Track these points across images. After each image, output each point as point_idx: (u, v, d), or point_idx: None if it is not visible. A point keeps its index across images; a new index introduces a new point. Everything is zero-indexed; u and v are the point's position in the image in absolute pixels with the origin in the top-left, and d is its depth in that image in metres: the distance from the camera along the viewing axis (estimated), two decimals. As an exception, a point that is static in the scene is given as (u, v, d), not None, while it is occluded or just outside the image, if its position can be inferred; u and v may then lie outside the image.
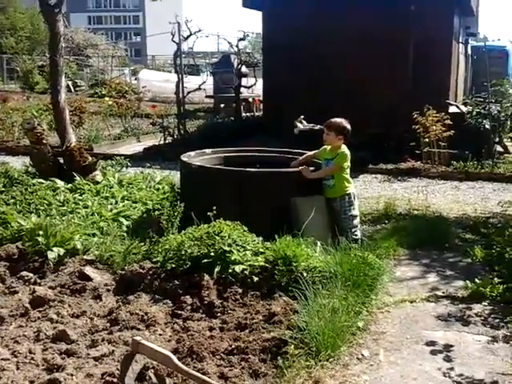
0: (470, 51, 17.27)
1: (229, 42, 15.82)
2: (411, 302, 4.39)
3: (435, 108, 9.88)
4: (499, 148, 10.89)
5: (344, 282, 4.18)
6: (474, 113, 10.70)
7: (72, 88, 30.78)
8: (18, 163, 8.77)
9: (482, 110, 10.64)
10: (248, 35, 17.11)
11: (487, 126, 10.29)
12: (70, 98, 19.30)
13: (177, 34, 12.51)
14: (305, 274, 4.32)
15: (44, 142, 6.81)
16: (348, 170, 5.43)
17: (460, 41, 12.83)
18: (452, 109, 11.08)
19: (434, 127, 9.78)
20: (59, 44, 7.27)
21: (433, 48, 10.95)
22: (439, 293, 4.57)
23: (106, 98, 16.57)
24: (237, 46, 15.20)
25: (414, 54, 11.09)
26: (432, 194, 8.31)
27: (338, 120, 5.42)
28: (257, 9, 13.04)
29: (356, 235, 5.30)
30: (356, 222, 5.40)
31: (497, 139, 10.69)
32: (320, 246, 4.77)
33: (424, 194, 8.13)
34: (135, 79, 28.99)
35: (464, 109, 11.16)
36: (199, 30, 13.10)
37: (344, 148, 5.39)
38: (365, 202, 7.43)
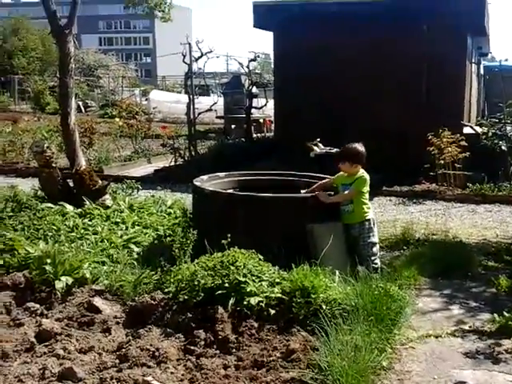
0: (482, 71, 17.09)
1: (239, 63, 15.73)
2: (436, 337, 4.14)
3: (450, 129, 9.68)
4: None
5: (366, 316, 3.94)
6: (490, 134, 10.46)
7: (83, 109, 30.87)
8: (27, 185, 8.60)
9: (498, 131, 10.41)
10: (258, 56, 17.01)
11: (503, 148, 10.04)
12: (81, 118, 19.30)
13: (188, 55, 12.41)
14: (324, 307, 4.08)
15: (53, 165, 6.64)
16: (367, 195, 5.21)
17: (473, 61, 12.63)
18: (467, 130, 10.85)
19: (449, 149, 9.56)
20: (69, 65, 7.12)
21: (447, 68, 10.76)
22: (465, 327, 4.31)
23: (117, 119, 16.43)
24: (247, 67, 15.09)
25: (428, 75, 10.90)
26: (449, 217, 8.06)
27: (351, 148, 5.20)
28: (268, 29, 12.93)
29: (376, 263, 5.07)
30: (376, 249, 5.16)
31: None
32: (339, 275, 4.54)
33: (441, 217, 7.88)
34: (146, 100, 29.00)
35: (479, 130, 10.93)
36: (210, 51, 12.99)
37: (363, 172, 5.18)
38: (381, 226, 7.16)
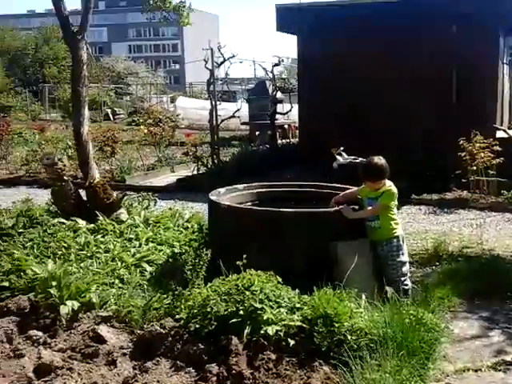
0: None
1: (264, 68, 15.29)
2: (476, 371, 3.65)
3: (482, 133, 9.12)
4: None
5: (396, 349, 3.49)
6: (524, 138, 9.87)
7: (111, 116, 30.83)
8: (47, 197, 8.32)
9: (533, 135, 9.82)
10: (283, 60, 16.59)
11: (539, 152, 9.43)
12: (109, 125, 19.14)
13: (210, 60, 12.06)
14: (349, 337, 3.64)
15: (65, 178, 6.29)
16: (395, 210, 4.73)
17: (505, 62, 12.01)
18: (500, 134, 10.27)
19: (482, 154, 8.99)
20: (82, 73, 6.78)
21: (477, 70, 10.20)
22: (508, 358, 3.82)
23: (142, 127, 16.18)
24: (271, 72, 14.67)
25: (458, 77, 10.37)
26: (484, 227, 7.50)
27: (371, 164, 4.70)
28: (291, 33, 12.52)
29: (406, 285, 4.58)
30: (405, 269, 4.67)
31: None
32: (365, 299, 4.08)
33: (475, 228, 7.35)
34: (173, 106, 28.80)
35: (512, 133, 10.35)
36: (233, 56, 12.63)
37: (390, 185, 4.70)
38: (410, 238, 6.68)
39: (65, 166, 6.32)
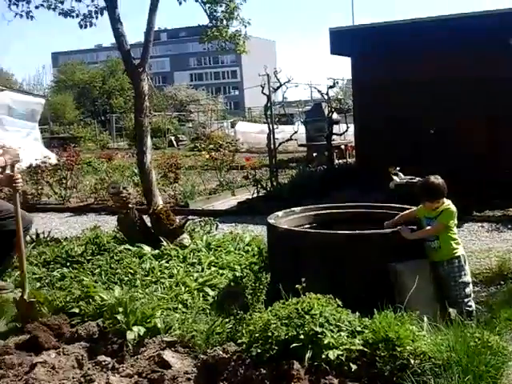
0: None
1: (319, 91, 15.26)
2: (546, 397, 3.44)
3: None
4: None
5: (461, 373, 3.33)
6: None
7: (175, 143, 31.45)
8: (115, 223, 8.51)
9: None
10: (337, 82, 16.51)
11: None
12: (173, 152, 19.52)
13: (266, 85, 12.14)
14: (412, 361, 3.50)
15: (130, 206, 6.41)
16: (455, 229, 4.57)
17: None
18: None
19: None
20: (144, 103, 6.92)
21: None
22: None
23: (204, 152, 16.41)
24: (327, 94, 14.62)
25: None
26: (550, 244, 7.16)
27: (428, 184, 4.56)
28: (346, 55, 12.45)
29: (469, 306, 4.40)
30: (468, 290, 4.49)
31: None
32: (427, 322, 3.93)
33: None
34: (233, 131, 29.14)
35: None
36: (288, 81, 12.67)
37: (448, 204, 4.54)
38: (473, 256, 6.43)
39: (130, 194, 6.44)
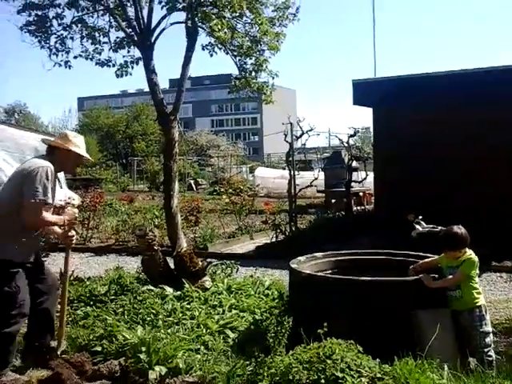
0: None
1: (339, 139, 15.47)
2: None
3: None
4: None
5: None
6: None
7: (194, 187, 31.74)
8: (135, 264, 8.60)
9: None
10: (358, 131, 16.73)
11: None
12: (193, 196, 19.68)
13: (289, 134, 12.35)
14: (432, 410, 3.49)
15: (155, 248, 6.51)
16: (476, 279, 4.59)
17: None
18: None
19: None
20: (173, 150, 7.10)
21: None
22: None
23: (223, 196, 16.56)
24: (347, 143, 14.80)
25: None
26: None
27: (451, 234, 4.60)
28: (367, 105, 12.64)
29: (490, 356, 4.38)
30: (489, 340, 4.47)
31: None
32: (447, 370, 3.92)
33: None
34: (252, 176, 29.37)
35: None
36: (311, 129, 12.89)
37: (471, 254, 4.57)
38: (492, 307, 6.39)
39: (155, 236, 6.54)
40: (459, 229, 4.60)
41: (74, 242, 5.04)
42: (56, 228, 4.93)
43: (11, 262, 4.50)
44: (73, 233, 4.95)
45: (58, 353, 4.88)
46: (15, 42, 8.33)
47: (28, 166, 4.60)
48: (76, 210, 4.95)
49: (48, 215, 4.58)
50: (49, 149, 4.85)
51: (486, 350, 4.40)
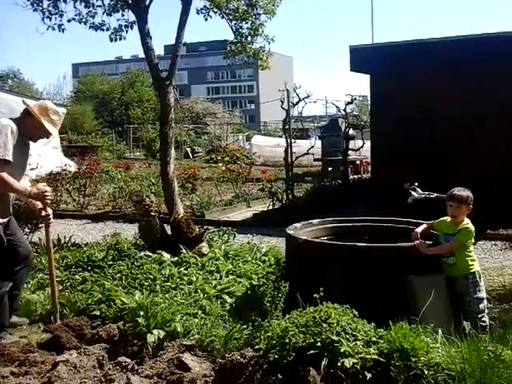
0: None
1: (337, 107, 15.45)
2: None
3: None
4: None
5: (474, 385, 3.39)
6: None
7: (190, 154, 31.67)
8: (133, 231, 8.64)
9: None
10: (355, 98, 16.65)
11: None
12: (188, 164, 19.67)
13: (286, 100, 12.29)
14: (426, 372, 3.57)
15: (152, 214, 6.54)
16: (472, 247, 4.63)
17: None
18: None
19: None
20: (169, 116, 7.08)
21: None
22: None
23: (220, 164, 16.55)
24: (344, 110, 14.75)
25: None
26: None
27: (462, 191, 4.63)
28: (365, 72, 12.55)
29: (484, 321, 4.45)
30: (482, 305, 4.54)
31: None
32: (442, 334, 3.99)
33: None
34: (248, 144, 29.29)
35: None
36: (307, 96, 12.82)
37: (468, 223, 4.60)
38: (486, 274, 6.46)
39: (152, 202, 6.57)
40: (464, 190, 4.62)
41: (51, 221, 4.89)
42: (27, 198, 4.81)
43: None
44: (49, 211, 4.82)
45: (58, 321, 4.95)
46: (6, 5, 8.25)
47: None
48: (48, 189, 4.79)
49: (6, 175, 4.44)
50: (24, 111, 4.76)
51: (479, 315, 4.46)
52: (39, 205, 4.79)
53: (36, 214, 5.02)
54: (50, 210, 4.85)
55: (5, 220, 4.66)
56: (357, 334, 3.95)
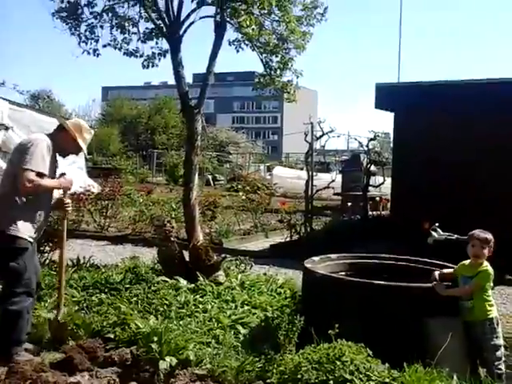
0: None
1: (359, 142, 15.40)
2: None
3: None
4: None
5: None
6: None
7: (211, 182, 31.78)
8: (151, 255, 8.63)
9: None
10: (378, 135, 16.62)
11: None
12: (208, 191, 19.71)
13: (310, 134, 12.31)
14: (439, 418, 3.48)
15: (172, 239, 6.55)
16: (490, 291, 4.54)
17: None
18: None
19: None
20: (196, 143, 7.12)
21: None
22: None
23: (240, 193, 16.56)
24: (367, 146, 14.72)
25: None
26: None
27: (484, 233, 4.57)
28: (389, 110, 12.56)
29: (500, 369, 4.33)
30: (500, 353, 4.42)
31: None
32: (456, 380, 3.90)
33: None
34: (269, 175, 29.34)
35: None
36: (331, 131, 12.80)
37: (487, 265, 4.52)
38: (504, 320, 6.31)
39: (173, 227, 6.58)
40: (486, 231, 4.56)
41: (70, 209, 5.03)
42: (55, 192, 4.95)
43: (19, 238, 4.51)
44: (68, 199, 4.96)
45: (59, 318, 4.98)
46: (45, 28, 8.47)
47: (26, 140, 4.69)
48: (71, 178, 4.99)
49: (41, 179, 4.52)
50: (58, 128, 4.90)
51: (496, 363, 4.35)
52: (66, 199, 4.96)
53: (60, 207, 5.06)
54: (68, 199, 5.00)
55: (33, 235, 4.69)
56: (370, 374, 3.88)
